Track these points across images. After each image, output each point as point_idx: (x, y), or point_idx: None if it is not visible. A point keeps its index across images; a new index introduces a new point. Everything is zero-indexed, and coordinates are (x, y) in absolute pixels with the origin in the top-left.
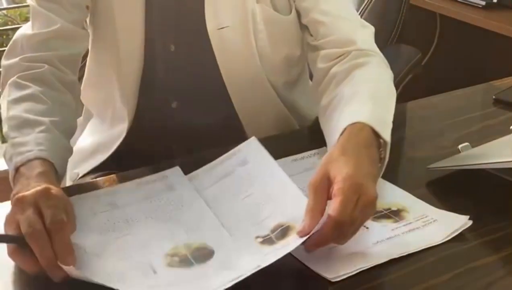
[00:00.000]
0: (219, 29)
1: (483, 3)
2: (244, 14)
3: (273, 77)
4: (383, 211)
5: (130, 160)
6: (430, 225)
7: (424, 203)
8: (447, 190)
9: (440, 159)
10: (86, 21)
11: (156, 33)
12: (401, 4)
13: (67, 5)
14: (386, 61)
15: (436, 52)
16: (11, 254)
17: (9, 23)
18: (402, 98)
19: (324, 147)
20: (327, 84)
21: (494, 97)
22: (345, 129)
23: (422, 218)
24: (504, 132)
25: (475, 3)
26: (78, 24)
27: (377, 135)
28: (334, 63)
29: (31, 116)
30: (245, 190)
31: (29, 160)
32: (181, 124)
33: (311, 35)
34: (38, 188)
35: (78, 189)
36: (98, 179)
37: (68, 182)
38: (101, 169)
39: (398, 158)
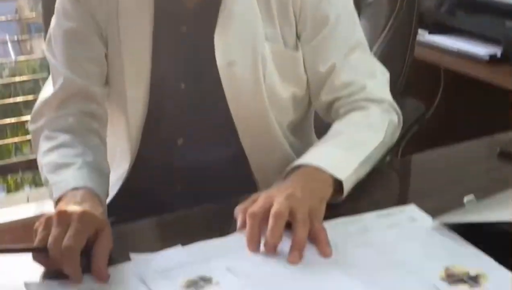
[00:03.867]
0: (228, 64)
1: (487, 57)
2: (253, 51)
3: (279, 116)
4: (460, 276)
5: (131, 204)
6: None
7: (504, 269)
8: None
9: (445, 211)
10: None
11: (164, 72)
12: (405, 58)
13: (85, 62)
14: (395, 107)
15: (440, 105)
16: (35, 259)
17: (17, 74)
18: (407, 151)
19: (413, 204)
20: (334, 117)
21: (498, 150)
22: (296, 166)
23: (499, 286)
24: (509, 185)
25: (479, 57)
26: (98, 81)
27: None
28: (338, 98)
29: (64, 160)
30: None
31: (66, 191)
32: (186, 162)
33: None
34: (77, 208)
35: None
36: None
37: None
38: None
39: None
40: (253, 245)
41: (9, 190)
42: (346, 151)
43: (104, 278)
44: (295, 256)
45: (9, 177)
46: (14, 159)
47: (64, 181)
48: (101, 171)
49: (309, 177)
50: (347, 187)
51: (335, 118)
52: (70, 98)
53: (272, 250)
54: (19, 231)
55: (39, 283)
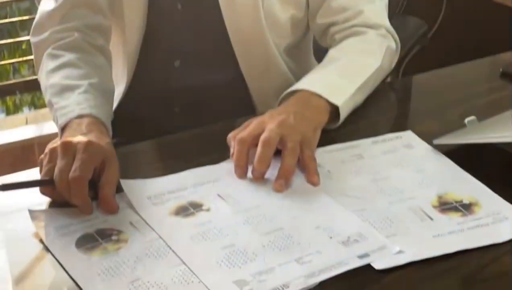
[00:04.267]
0: None
1: None
2: None
3: (277, 38)
4: (453, 203)
5: (128, 126)
6: (500, 223)
7: (500, 199)
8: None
9: (446, 133)
10: None
11: None
12: None
13: None
14: (393, 32)
15: (443, 24)
16: (42, 192)
17: None
18: (408, 71)
19: (409, 131)
20: (330, 42)
21: (501, 70)
22: (291, 92)
23: (493, 215)
24: (511, 105)
25: None
26: None
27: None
28: (334, 22)
29: (69, 82)
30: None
31: (71, 119)
32: (183, 83)
33: None
34: (82, 139)
35: None
36: None
37: None
38: None
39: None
40: (240, 171)
41: (8, 112)
42: (342, 77)
43: (113, 209)
44: (280, 184)
45: (7, 99)
46: (12, 81)
47: (69, 107)
48: (106, 92)
49: (304, 103)
50: (343, 113)
51: (331, 44)
52: (74, 9)
53: (259, 177)
54: (18, 153)
55: (42, 211)
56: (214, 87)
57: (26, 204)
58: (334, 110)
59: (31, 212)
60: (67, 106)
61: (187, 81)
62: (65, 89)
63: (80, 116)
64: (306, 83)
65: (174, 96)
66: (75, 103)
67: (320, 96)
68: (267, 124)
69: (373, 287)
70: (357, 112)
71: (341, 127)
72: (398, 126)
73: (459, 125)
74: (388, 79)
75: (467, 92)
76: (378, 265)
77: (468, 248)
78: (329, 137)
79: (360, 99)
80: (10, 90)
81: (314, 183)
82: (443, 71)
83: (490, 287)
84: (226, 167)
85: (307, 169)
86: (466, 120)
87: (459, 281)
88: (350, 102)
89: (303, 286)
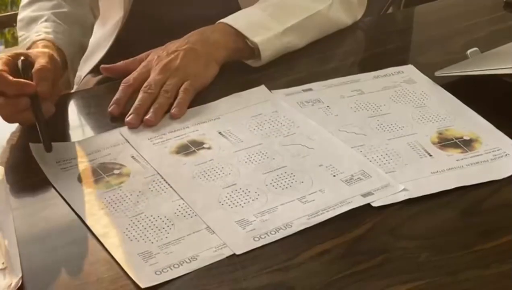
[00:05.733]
0: None
1: None
2: None
3: None
4: (453, 140)
5: (125, 57)
6: (500, 159)
7: (502, 135)
8: (455, 96)
9: (448, 64)
10: None
11: None
12: None
13: None
14: None
15: None
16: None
17: None
18: (410, 2)
19: (410, 65)
20: None
21: (504, 0)
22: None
23: (493, 151)
24: None
25: None
26: None
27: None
28: None
29: (36, 13)
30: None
31: (28, 48)
32: (182, 17)
33: None
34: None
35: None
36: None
37: (74, 87)
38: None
39: (405, 63)
40: (113, 109)
41: (7, 45)
42: (270, 15)
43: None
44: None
45: (6, 31)
46: (9, 12)
47: (29, 37)
48: (74, 22)
49: (205, 37)
50: (267, 53)
51: None
52: None
53: (134, 124)
54: None
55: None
56: (212, 21)
57: (26, 137)
58: (253, 47)
59: (32, 145)
60: (28, 36)
61: (186, 14)
62: (30, 21)
63: (35, 42)
64: (228, 18)
65: (171, 30)
66: (34, 32)
67: (235, 30)
68: (152, 68)
69: (370, 221)
70: (359, 44)
71: (342, 59)
72: (400, 57)
73: (462, 57)
74: (390, 10)
75: (470, 23)
76: (376, 203)
77: (467, 185)
78: (328, 70)
79: (295, 41)
80: (7, 22)
81: (172, 115)
82: (445, 2)
83: (489, 219)
84: (226, 104)
85: (176, 99)
86: (468, 52)
87: (458, 213)
88: (276, 42)
89: (306, 226)
